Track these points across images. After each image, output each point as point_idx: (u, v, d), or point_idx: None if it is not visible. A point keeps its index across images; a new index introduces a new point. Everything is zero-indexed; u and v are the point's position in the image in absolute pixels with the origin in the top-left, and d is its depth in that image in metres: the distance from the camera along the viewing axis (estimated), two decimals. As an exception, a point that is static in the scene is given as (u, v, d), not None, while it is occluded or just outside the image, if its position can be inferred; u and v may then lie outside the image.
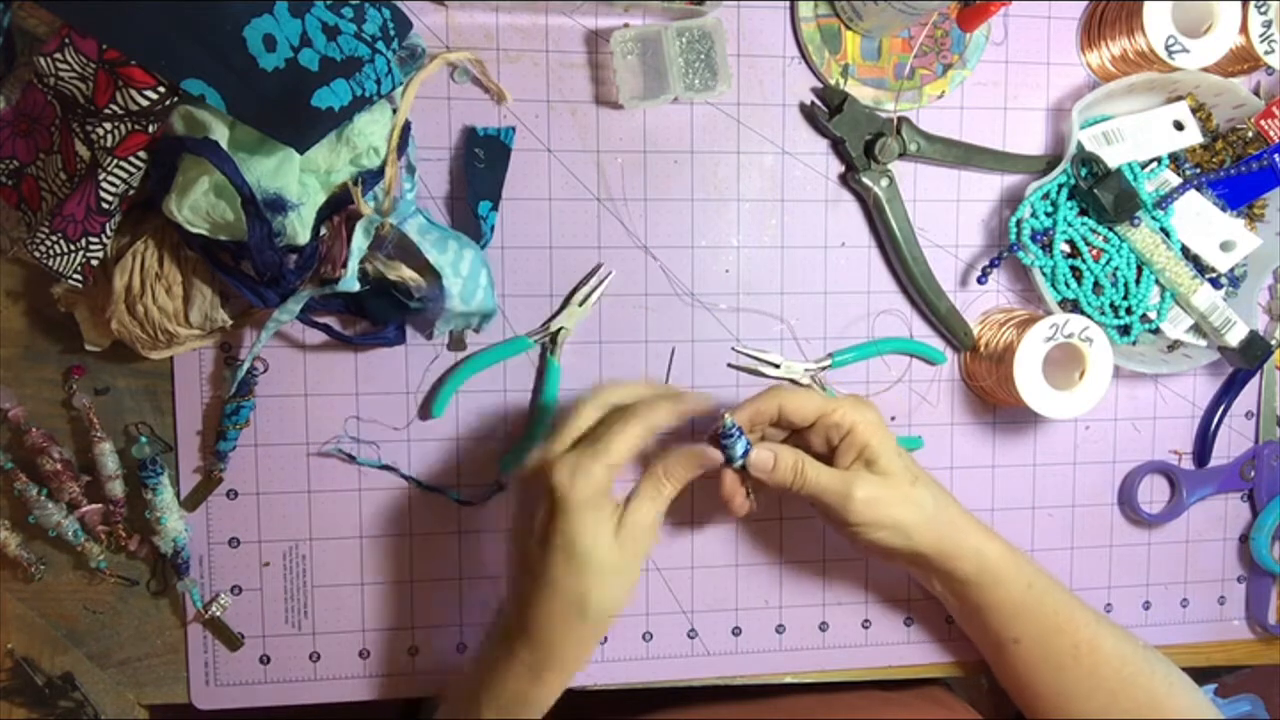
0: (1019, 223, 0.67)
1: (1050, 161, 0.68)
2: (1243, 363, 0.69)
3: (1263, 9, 0.67)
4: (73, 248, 0.52)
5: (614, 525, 0.52)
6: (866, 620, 0.71)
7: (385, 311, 0.60)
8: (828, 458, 0.59)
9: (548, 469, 0.51)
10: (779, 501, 0.68)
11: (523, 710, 0.54)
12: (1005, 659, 0.64)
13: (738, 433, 0.55)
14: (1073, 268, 0.68)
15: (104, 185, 0.51)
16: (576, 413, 0.54)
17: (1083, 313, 0.68)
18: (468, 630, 0.66)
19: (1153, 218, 0.68)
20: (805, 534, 0.69)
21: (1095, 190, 0.66)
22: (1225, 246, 0.69)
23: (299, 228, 0.54)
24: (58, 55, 0.48)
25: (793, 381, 0.68)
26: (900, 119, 0.66)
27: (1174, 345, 0.71)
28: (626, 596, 0.53)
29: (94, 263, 0.53)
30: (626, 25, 0.63)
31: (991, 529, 0.62)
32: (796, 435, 0.60)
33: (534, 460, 0.53)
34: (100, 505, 0.61)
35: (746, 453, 0.56)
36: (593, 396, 0.55)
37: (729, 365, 0.67)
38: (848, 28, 0.66)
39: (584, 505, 0.50)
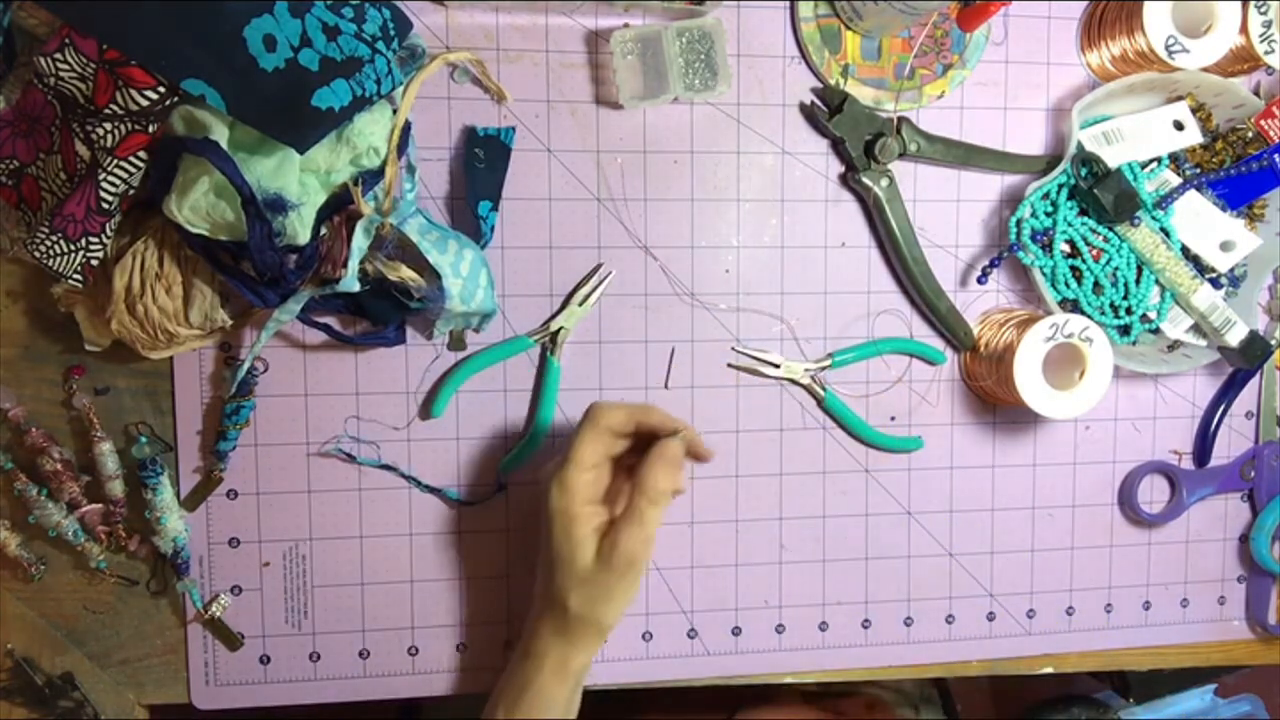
0: (1019, 223, 0.67)
1: (1050, 161, 0.68)
2: (1243, 363, 0.69)
3: (1263, 9, 0.67)
4: (73, 248, 0.52)
5: (597, 540, 0.53)
6: (866, 620, 0.71)
7: (385, 311, 0.60)
8: None
9: (541, 480, 0.56)
10: (779, 501, 0.68)
11: (566, 670, 0.57)
12: None
13: None
14: (1073, 268, 0.68)
15: (104, 185, 0.51)
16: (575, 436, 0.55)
17: (1083, 313, 0.68)
18: (468, 630, 0.66)
19: (1153, 218, 0.68)
20: (805, 534, 0.69)
21: (1095, 190, 0.66)
22: (1225, 246, 0.69)
23: (299, 228, 0.54)
24: (58, 55, 0.48)
25: (792, 381, 0.68)
26: (900, 119, 0.66)
27: (1174, 345, 0.71)
28: (609, 607, 0.54)
29: (94, 263, 0.53)
30: (626, 25, 0.63)
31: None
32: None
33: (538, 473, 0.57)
34: (100, 505, 0.61)
35: None
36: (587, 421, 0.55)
37: (729, 365, 0.67)
38: (848, 28, 0.66)
39: (563, 514, 0.53)
